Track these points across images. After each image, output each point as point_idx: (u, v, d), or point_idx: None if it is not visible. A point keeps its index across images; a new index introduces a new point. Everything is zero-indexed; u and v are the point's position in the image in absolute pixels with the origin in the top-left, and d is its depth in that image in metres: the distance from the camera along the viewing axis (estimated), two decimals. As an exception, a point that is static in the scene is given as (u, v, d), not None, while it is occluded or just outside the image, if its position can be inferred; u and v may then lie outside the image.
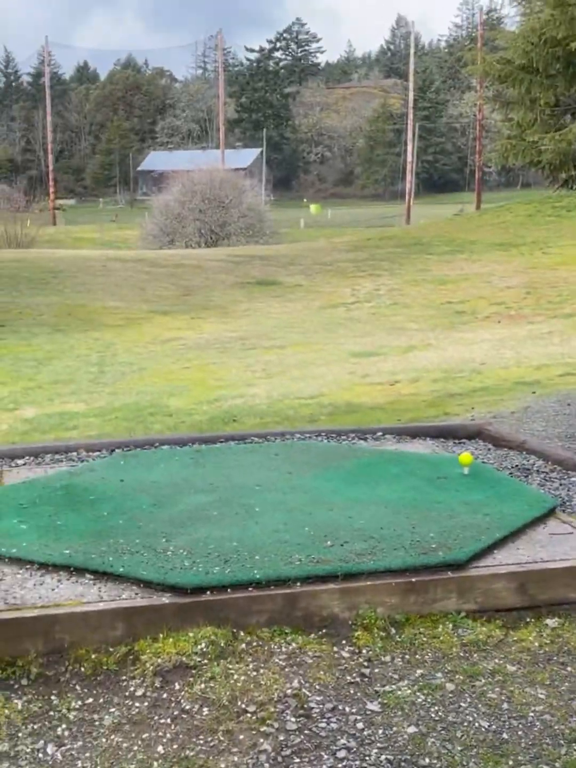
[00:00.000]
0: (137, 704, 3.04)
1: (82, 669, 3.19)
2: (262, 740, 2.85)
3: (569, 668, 3.22)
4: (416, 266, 26.29)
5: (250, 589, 3.42)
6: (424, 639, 3.37)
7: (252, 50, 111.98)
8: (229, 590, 3.39)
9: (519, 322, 17.70)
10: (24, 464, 5.48)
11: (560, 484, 5.05)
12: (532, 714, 2.97)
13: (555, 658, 3.27)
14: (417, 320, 18.96)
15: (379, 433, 6.24)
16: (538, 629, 3.44)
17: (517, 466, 5.46)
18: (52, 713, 3.01)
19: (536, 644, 3.35)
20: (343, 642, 3.36)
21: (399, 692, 3.07)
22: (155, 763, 2.79)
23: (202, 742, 2.87)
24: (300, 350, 15.60)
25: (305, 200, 79.62)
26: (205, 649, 3.22)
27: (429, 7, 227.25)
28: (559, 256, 25.53)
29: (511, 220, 33.42)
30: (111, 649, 3.24)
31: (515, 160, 40.26)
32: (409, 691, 3.07)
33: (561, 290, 20.56)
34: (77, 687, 3.12)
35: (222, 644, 3.26)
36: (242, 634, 3.34)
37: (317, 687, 3.09)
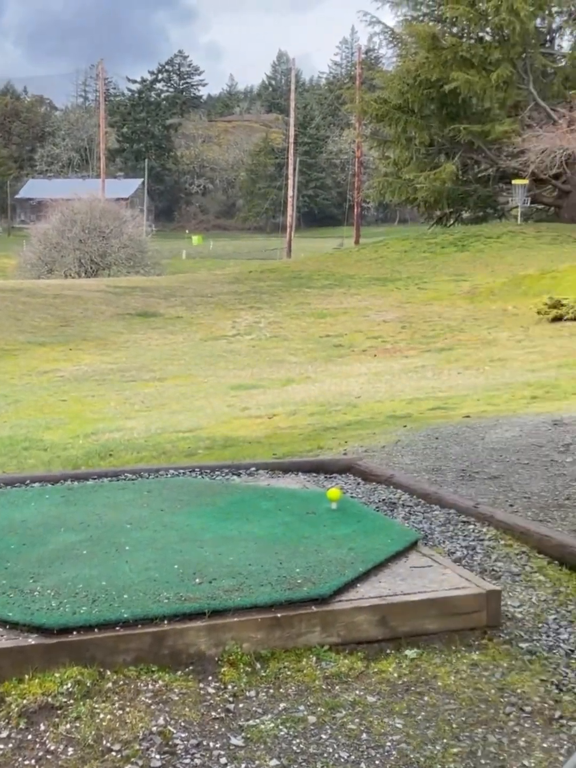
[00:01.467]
0: (1, 746, 3.03)
1: (-54, 713, 3.16)
2: (126, 779, 2.89)
3: (426, 698, 3.35)
4: (296, 299, 26.64)
5: (117, 628, 3.45)
6: (289, 673, 3.46)
7: (134, 81, 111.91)
8: (96, 630, 3.42)
9: (394, 355, 18.12)
10: None
11: (424, 518, 5.24)
12: (389, 743, 3.08)
13: (413, 688, 3.40)
14: (296, 353, 19.21)
15: (253, 469, 6.34)
16: (398, 660, 3.57)
17: (383, 500, 5.63)
18: None
19: (395, 675, 3.48)
20: (210, 678, 3.42)
21: (262, 726, 3.15)
22: (18, 806, 2.79)
23: (66, 782, 2.88)
24: (180, 383, 15.63)
25: (187, 231, 79.71)
26: (71, 689, 3.24)
27: (310, 44, 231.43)
28: (433, 291, 26.26)
29: (388, 256, 34.21)
30: (-25, 692, 3.22)
31: (392, 196, 41.35)
32: (272, 725, 3.15)
33: (435, 325, 21.15)
34: None
35: (88, 684, 3.28)
36: (109, 673, 3.37)
37: (182, 723, 3.15)
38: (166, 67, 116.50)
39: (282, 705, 3.28)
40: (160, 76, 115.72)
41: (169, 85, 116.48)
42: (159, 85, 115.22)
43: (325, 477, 6.38)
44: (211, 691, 3.35)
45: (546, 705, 3.30)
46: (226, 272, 34.48)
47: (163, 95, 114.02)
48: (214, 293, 27.84)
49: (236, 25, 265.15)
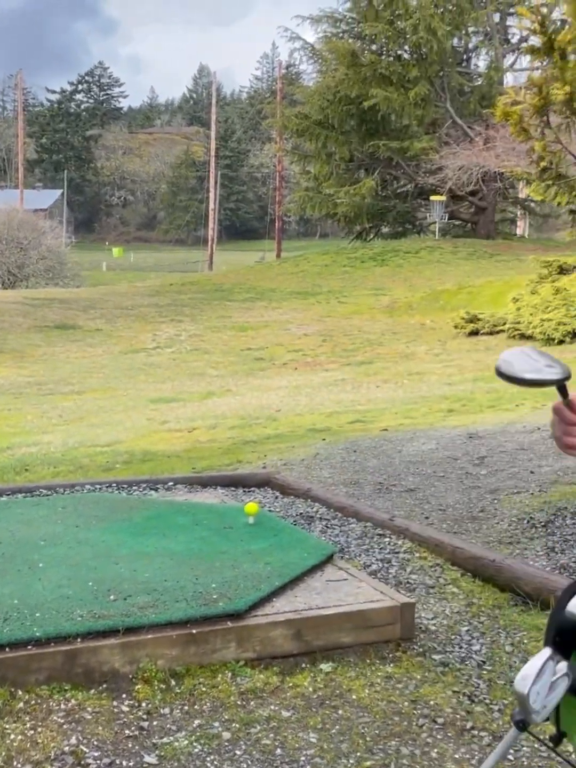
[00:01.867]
0: None
1: None
2: (37, 801, 2.84)
3: (340, 711, 3.37)
4: (218, 312, 26.63)
5: (29, 647, 3.40)
6: (204, 689, 3.45)
7: (53, 91, 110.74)
8: (7, 649, 3.36)
9: (315, 369, 18.23)
10: None
11: (340, 531, 5.27)
12: (303, 758, 3.09)
13: (327, 701, 3.42)
14: (217, 366, 19.19)
15: (171, 483, 6.31)
16: (313, 674, 3.59)
17: (301, 513, 5.66)
18: None
19: (310, 689, 3.49)
20: (124, 696, 3.39)
21: (176, 743, 3.13)
22: None
23: (-26, 806, 2.83)
24: (98, 396, 15.48)
25: (108, 243, 79.09)
26: (-19, 711, 3.18)
27: (231, 58, 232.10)
28: (353, 305, 26.49)
29: (309, 269, 34.42)
30: None
31: (313, 211, 41.67)
32: (186, 742, 3.14)
33: (354, 338, 21.33)
34: None
35: (-1, 704, 3.22)
36: (20, 692, 3.32)
37: (95, 742, 3.11)
38: (87, 78, 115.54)
39: (196, 722, 3.26)
40: (80, 87, 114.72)
41: (89, 96, 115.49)
42: (79, 96, 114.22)
43: (244, 491, 6.38)
44: (125, 709, 3.32)
45: (458, 716, 3.35)
46: (146, 284, 34.28)
47: (83, 106, 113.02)
48: (134, 305, 27.67)
49: (158, 38, 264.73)
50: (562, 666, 1.67)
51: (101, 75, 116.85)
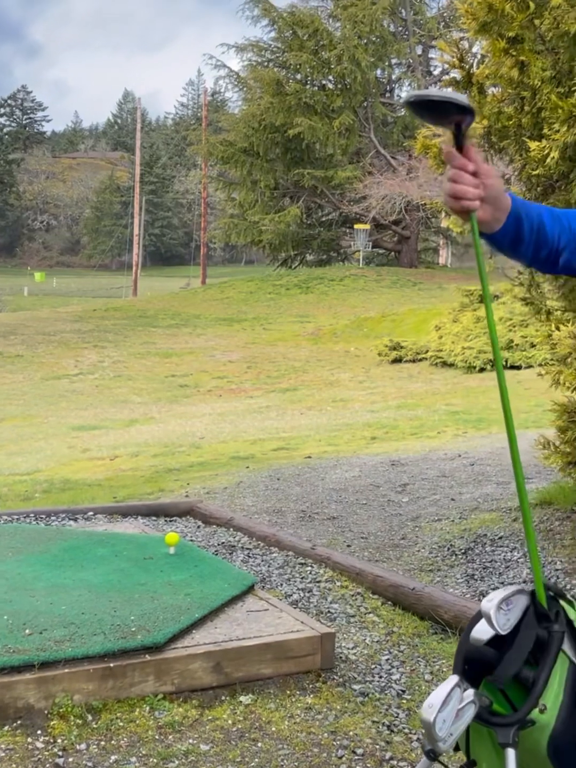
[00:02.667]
0: None
1: None
2: None
3: (260, 744, 3.34)
4: (142, 338, 26.49)
5: None
6: (121, 724, 3.39)
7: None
8: None
9: (239, 395, 18.22)
10: None
11: (262, 560, 5.26)
12: (222, 792, 3.05)
13: (247, 734, 3.39)
14: (141, 393, 19.06)
15: (91, 513, 6.22)
16: (233, 706, 3.55)
17: (223, 543, 5.63)
18: None
19: (230, 722, 3.46)
20: (39, 732, 3.32)
21: (92, 781, 3.07)
22: None
23: None
24: (18, 423, 15.24)
25: (30, 268, 78.09)
26: None
27: (157, 84, 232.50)
28: (278, 332, 26.59)
29: (234, 296, 34.46)
30: None
31: (238, 238, 41.78)
32: (102, 779, 3.08)
33: (279, 365, 21.40)
34: None
35: None
36: None
37: (8, 782, 3.04)
38: (9, 101, 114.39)
39: (113, 757, 3.20)
40: (2, 111, 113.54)
41: (11, 119, 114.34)
42: (1, 120, 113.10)
43: (166, 520, 6.33)
44: (40, 745, 3.24)
45: (377, 746, 3.34)
46: (69, 310, 33.93)
47: (5, 130, 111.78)
48: (56, 331, 27.35)
49: (83, 63, 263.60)
50: (469, 693, 1.66)
51: (24, 98, 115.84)
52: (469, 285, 22.46)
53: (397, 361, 19.56)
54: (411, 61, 42.74)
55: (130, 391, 19.33)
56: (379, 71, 42.70)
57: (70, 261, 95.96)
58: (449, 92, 1.63)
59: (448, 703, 1.62)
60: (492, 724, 1.68)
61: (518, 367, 16.36)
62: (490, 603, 1.68)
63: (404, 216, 38.52)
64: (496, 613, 1.67)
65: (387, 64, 43.06)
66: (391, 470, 8.38)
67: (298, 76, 40.36)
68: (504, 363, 16.88)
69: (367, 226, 39.85)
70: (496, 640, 1.72)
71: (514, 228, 1.78)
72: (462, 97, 1.62)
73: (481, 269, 1.74)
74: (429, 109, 1.63)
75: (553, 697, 1.67)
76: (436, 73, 43.11)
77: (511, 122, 5.09)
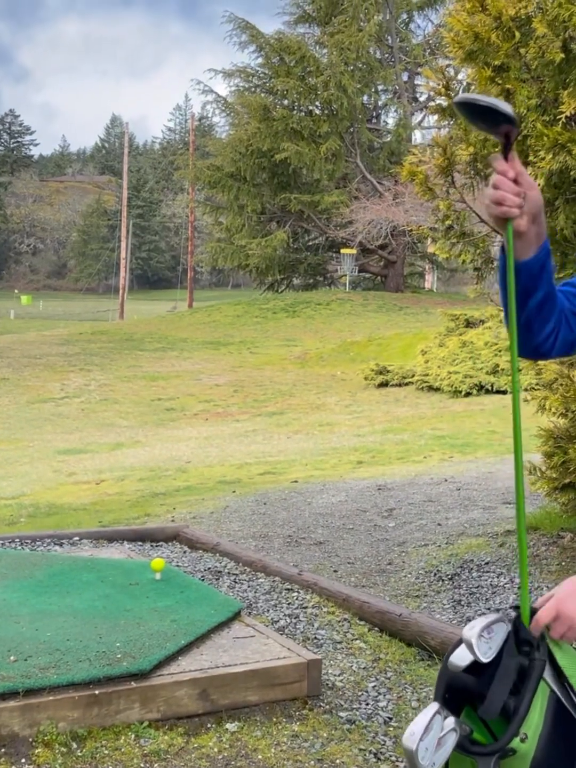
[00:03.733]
0: None
1: None
2: None
3: (246, 772, 3.32)
4: (128, 362, 26.44)
5: None
6: (106, 752, 3.36)
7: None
8: None
9: (226, 419, 18.20)
10: None
11: (248, 586, 5.23)
12: (207, 822, 3.03)
13: (232, 762, 3.36)
14: (127, 417, 19.02)
15: (76, 538, 6.19)
16: (219, 734, 3.53)
17: (209, 568, 5.60)
18: None
19: (216, 750, 3.43)
20: (23, 760, 3.28)
21: (77, 811, 3.04)
22: None
23: None
24: (3, 447, 15.17)
25: (16, 291, 77.98)
26: None
27: (144, 109, 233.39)
28: (265, 355, 26.60)
29: (220, 320, 34.49)
30: None
31: (225, 262, 41.85)
32: (87, 809, 3.05)
33: (266, 389, 21.40)
34: None
35: None
36: None
37: (-9, 813, 3.00)
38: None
39: (98, 787, 3.18)
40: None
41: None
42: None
43: (152, 545, 6.30)
44: (24, 775, 3.21)
45: (364, 774, 3.32)
46: (55, 333, 33.89)
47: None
48: (42, 354, 27.30)
49: (71, 87, 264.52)
50: (450, 721, 1.64)
51: (12, 122, 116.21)
52: (454, 309, 22.55)
53: (384, 385, 19.59)
54: (397, 87, 43.03)
55: (116, 414, 19.28)
56: (365, 97, 42.99)
57: (57, 284, 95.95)
58: (496, 100, 1.67)
59: (429, 731, 1.60)
60: (473, 754, 1.66)
61: (504, 392, 16.41)
62: (471, 631, 1.66)
63: (390, 241, 38.68)
64: (477, 641, 1.66)
65: (373, 90, 43.36)
66: (378, 495, 8.38)
67: (285, 102, 40.58)
68: (490, 388, 16.95)
69: (354, 251, 39.99)
70: (475, 667, 1.71)
71: (541, 264, 1.82)
72: (507, 106, 1.66)
73: (510, 281, 1.75)
74: (481, 115, 1.67)
75: (534, 726, 1.65)
76: (422, 99, 43.42)
77: (497, 149, 5.13)
